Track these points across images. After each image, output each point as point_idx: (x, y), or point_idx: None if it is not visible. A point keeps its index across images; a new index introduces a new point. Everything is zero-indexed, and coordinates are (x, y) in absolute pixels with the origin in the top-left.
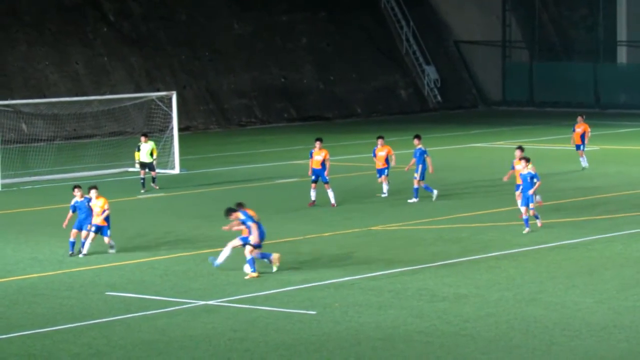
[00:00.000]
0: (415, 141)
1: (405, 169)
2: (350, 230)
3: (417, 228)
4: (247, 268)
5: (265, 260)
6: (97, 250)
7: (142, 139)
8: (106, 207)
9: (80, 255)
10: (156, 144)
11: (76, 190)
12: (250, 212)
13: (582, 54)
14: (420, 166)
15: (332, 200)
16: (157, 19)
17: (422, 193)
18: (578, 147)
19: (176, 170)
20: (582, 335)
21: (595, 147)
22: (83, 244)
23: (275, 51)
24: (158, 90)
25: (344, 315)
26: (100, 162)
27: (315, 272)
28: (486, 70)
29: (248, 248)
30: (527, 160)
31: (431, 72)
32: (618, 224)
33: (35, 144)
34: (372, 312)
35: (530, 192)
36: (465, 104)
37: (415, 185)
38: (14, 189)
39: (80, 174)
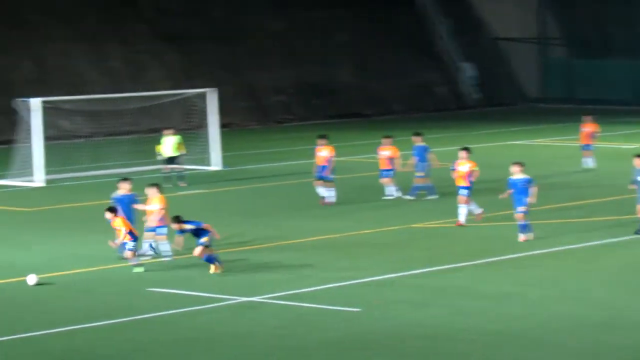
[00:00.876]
0: (415, 138)
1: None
2: (390, 228)
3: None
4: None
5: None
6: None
7: (167, 132)
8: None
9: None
10: (183, 140)
11: (122, 183)
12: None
13: (620, 51)
14: (422, 164)
15: (327, 199)
16: (194, 16)
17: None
18: (585, 147)
19: (217, 167)
20: (630, 335)
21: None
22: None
23: (313, 48)
24: (195, 87)
25: (387, 313)
26: (138, 158)
27: (356, 270)
28: (524, 67)
29: (198, 249)
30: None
31: (469, 69)
32: None
33: (75, 141)
34: (415, 310)
35: (530, 199)
36: (504, 101)
37: (418, 184)
38: (58, 184)
39: (119, 170)
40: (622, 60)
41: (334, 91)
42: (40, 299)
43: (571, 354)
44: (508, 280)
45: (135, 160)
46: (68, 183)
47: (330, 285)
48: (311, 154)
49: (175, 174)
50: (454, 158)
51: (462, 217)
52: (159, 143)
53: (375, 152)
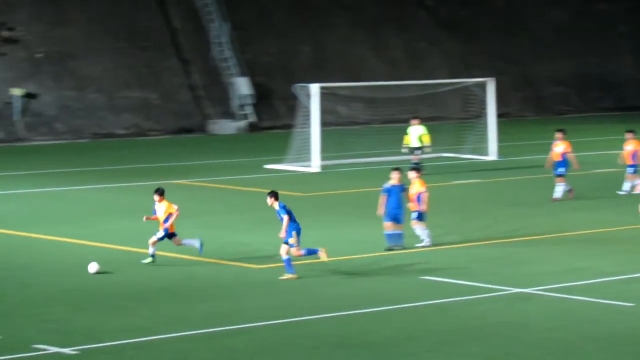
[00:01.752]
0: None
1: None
2: None
3: None
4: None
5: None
6: (412, 234)
7: (413, 122)
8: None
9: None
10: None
11: (393, 173)
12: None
13: None
14: None
15: (557, 195)
16: (475, 5)
17: None
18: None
19: (493, 157)
20: None
21: None
22: None
23: (593, 39)
24: (474, 77)
25: None
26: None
27: (633, 264)
28: None
29: (284, 248)
30: None
31: None
32: None
33: (353, 127)
34: None
35: None
36: None
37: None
38: (332, 170)
39: (393, 158)
40: None
41: (614, 84)
42: (309, 284)
43: None
44: None
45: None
46: (343, 169)
47: (604, 280)
48: (587, 147)
49: (414, 164)
50: None
51: None
52: (406, 134)
53: None
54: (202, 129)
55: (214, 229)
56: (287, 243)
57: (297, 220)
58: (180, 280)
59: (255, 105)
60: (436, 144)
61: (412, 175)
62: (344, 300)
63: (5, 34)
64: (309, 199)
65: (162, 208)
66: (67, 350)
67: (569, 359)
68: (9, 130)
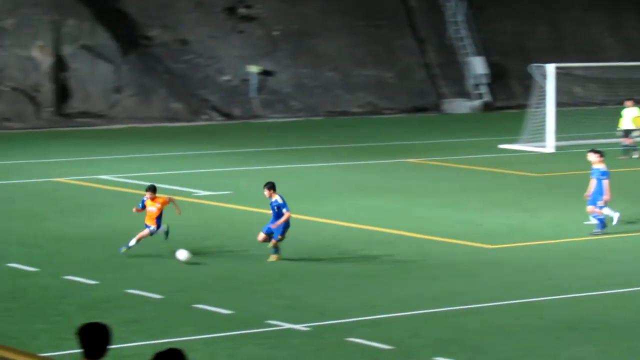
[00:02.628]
0: None
1: None
2: None
3: None
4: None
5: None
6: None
7: (628, 103)
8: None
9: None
10: None
11: (591, 154)
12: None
13: None
14: None
15: None
16: None
17: None
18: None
19: None
20: None
21: None
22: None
23: None
24: None
25: None
26: None
27: None
28: None
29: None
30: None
31: None
32: None
33: (588, 107)
34: None
35: None
36: None
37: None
38: (566, 151)
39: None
40: None
41: None
42: (544, 265)
43: None
44: None
45: None
46: (577, 150)
47: None
48: None
49: (625, 146)
50: None
51: None
52: (620, 116)
53: None
54: (436, 107)
55: (446, 207)
56: (272, 235)
57: (521, 203)
58: (411, 259)
59: (489, 85)
60: None
61: (592, 157)
62: (579, 281)
63: (243, 11)
64: (542, 179)
65: (154, 205)
66: (298, 327)
67: None
68: (245, 107)
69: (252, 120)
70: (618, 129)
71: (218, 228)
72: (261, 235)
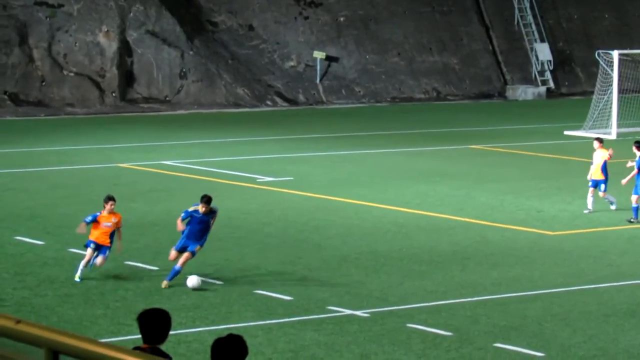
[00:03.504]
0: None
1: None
2: None
3: None
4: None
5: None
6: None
7: None
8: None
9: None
10: None
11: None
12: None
13: None
14: None
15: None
16: None
17: None
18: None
19: None
20: None
21: None
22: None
23: None
24: None
25: None
26: None
27: None
28: None
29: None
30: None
31: None
32: None
33: None
34: None
35: None
36: None
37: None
38: (629, 138)
39: None
40: None
41: None
42: (605, 251)
43: None
44: None
45: None
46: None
47: None
48: None
49: None
50: None
51: None
52: None
53: None
54: (500, 94)
55: (508, 194)
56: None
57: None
58: (473, 245)
59: (554, 71)
60: None
61: (596, 144)
62: (638, 268)
63: None
64: None
65: (111, 220)
66: (359, 313)
67: None
68: (310, 93)
69: (317, 106)
70: None
71: (279, 214)
72: (173, 254)
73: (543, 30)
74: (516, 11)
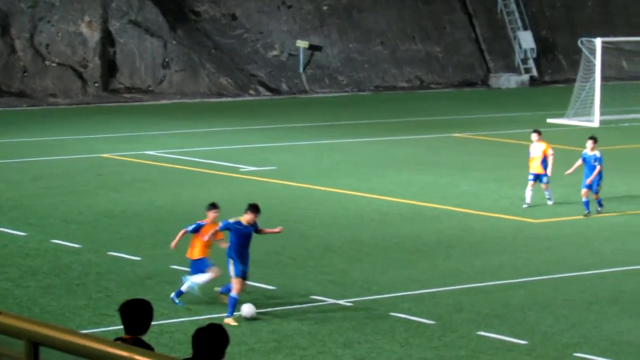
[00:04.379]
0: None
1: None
2: None
3: None
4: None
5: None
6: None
7: None
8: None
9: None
10: None
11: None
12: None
13: None
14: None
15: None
16: None
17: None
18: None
19: None
20: None
21: None
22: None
23: None
24: None
25: None
26: None
27: None
28: None
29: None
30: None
31: None
32: None
33: (635, 82)
34: None
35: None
36: None
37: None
38: (612, 125)
39: None
40: None
41: None
42: (587, 239)
43: None
44: None
45: None
46: (622, 125)
47: None
48: None
49: None
50: None
51: None
52: None
53: None
54: (484, 82)
55: (492, 182)
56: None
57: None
58: (456, 234)
59: (537, 59)
60: None
61: (534, 137)
62: (621, 256)
63: None
64: None
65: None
66: (342, 302)
67: None
68: (293, 82)
69: (300, 95)
70: None
71: (263, 203)
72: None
73: (526, 18)
74: None
